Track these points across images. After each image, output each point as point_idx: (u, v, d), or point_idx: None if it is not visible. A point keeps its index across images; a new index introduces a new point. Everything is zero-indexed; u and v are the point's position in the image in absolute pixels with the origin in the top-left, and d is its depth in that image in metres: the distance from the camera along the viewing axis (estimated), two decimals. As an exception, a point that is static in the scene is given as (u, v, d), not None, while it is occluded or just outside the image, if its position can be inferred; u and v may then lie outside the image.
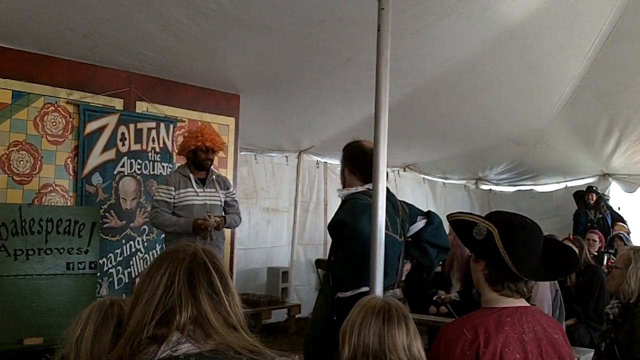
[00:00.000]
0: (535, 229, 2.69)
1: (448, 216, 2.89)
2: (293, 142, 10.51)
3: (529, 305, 2.63)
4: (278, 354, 1.87)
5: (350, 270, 3.84)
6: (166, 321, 1.74)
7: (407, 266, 4.26)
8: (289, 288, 10.29)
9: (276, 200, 10.55)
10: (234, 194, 6.54)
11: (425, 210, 4.44)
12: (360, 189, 4.04)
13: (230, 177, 7.41)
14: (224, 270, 1.90)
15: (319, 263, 10.64)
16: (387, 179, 3.65)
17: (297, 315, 9.98)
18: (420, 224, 4.28)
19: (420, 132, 10.24)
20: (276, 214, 10.55)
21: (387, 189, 4.07)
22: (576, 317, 6.95)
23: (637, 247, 4.49)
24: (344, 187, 4.24)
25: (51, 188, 6.37)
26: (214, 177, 6.25)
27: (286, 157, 10.71)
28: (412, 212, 4.29)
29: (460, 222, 2.80)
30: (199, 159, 6.07)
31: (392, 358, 2.40)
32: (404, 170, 12.97)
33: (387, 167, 3.51)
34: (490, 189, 14.72)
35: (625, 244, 9.48)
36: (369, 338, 2.44)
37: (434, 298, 7.84)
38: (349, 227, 3.82)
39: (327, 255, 4.29)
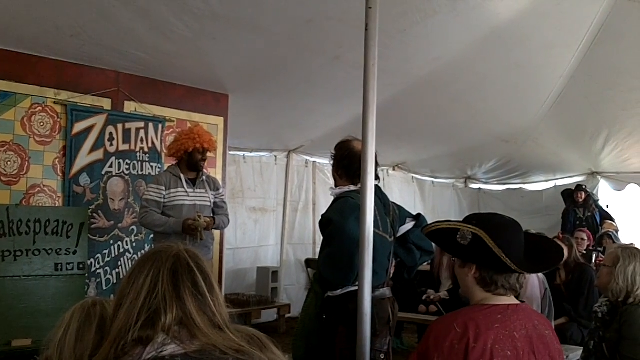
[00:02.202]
0: (516, 225, 2.70)
1: (424, 229, 2.88)
2: (282, 142, 10.51)
3: (519, 302, 2.63)
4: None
5: (334, 268, 3.87)
6: (151, 323, 1.74)
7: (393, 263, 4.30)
8: (278, 288, 10.28)
9: (264, 200, 10.52)
10: (223, 195, 6.54)
11: (414, 212, 4.49)
12: (353, 188, 4.05)
13: (219, 178, 7.39)
14: (207, 271, 1.90)
15: (309, 263, 10.65)
16: (377, 179, 3.66)
17: (287, 315, 9.97)
18: (409, 225, 4.33)
19: (409, 131, 10.26)
20: (263, 214, 10.53)
21: (380, 189, 4.10)
22: (567, 315, 6.97)
23: (625, 245, 4.51)
24: (336, 186, 4.26)
25: (39, 189, 6.34)
26: (204, 177, 6.25)
27: (275, 156, 10.70)
28: (402, 214, 4.35)
29: (439, 232, 2.79)
30: (194, 160, 6.07)
31: None
32: (393, 170, 12.98)
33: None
34: (479, 188, 14.77)
35: (614, 242, 9.52)
36: None
37: (424, 297, 7.87)
38: (335, 225, 3.84)
39: (318, 254, 4.31)
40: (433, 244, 4.51)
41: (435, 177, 14.09)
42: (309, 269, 10.67)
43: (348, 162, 4.11)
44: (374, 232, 3.41)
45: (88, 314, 2.25)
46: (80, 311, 2.26)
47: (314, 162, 11.21)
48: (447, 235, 2.71)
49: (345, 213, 3.81)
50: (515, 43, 7.46)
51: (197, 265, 1.87)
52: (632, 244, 8.91)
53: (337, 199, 4.10)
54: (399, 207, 4.39)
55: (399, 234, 4.26)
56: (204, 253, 6.09)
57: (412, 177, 13.58)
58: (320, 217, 4.12)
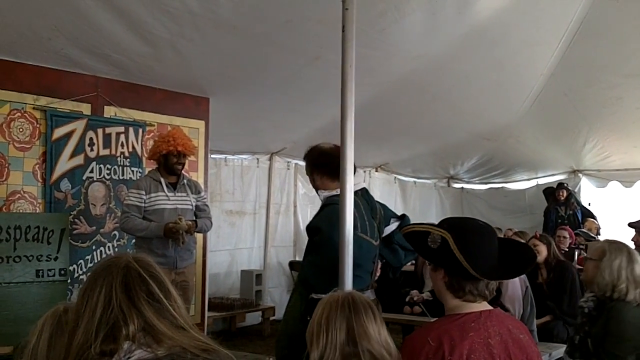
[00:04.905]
0: (488, 230, 2.70)
1: (402, 229, 2.89)
2: (264, 144, 10.47)
3: (492, 308, 2.62)
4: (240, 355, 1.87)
5: (321, 276, 3.86)
6: (112, 337, 1.75)
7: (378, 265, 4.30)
8: (262, 290, 10.26)
9: (242, 203, 10.45)
10: (205, 198, 6.52)
11: (399, 212, 4.49)
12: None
13: (201, 181, 7.36)
14: (161, 277, 1.91)
15: (292, 265, 10.63)
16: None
17: (272, 318, 9.96)
18: (393, 226, 4.34)
19: (391, 131, 10.27)
20: (241, 217, 10.46)
21: (367, 192, 4.10)
22: (551, 313, 6.98)
23: (612, 239, 4.51)
24: (317, 191, 4.25)
25: (19, 195, 6.28)
26: (185, 181, 6.22)
27: (257, 159, 10.66)
28: (387, 214, 4.35)
29: (414, 234, 2.79)
30: (170, 163, 6.03)
31: (365, 345, 2.39)
32: (376, 171, 12.97)
33: (359, 167, 3.51)
34: (462, 188, 14.80)
35: (587, 241, 9.52)
36: (337, 333, 2.42)
37: (407, 299, 7.85)
38: (323, 234, 3.84)
39: (303, 256, 4.29)
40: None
41: (418, 177, 14.09)
42: (292, 271, 10.65)
43: (322, 161, 4.11)
44: (361, 237, 3.41)
45: (59, 321, 2.24)
46: (52, 318, 2.25)
47: (296, 164, 11.18)
48: (420, 237, 2.70)
49: (334, 222, 3.79)
50: (495, 41, 7.49)
51: (149, 274, 1.88)
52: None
53: (326, 206, 4.08)
54: (384, 206, 4.39)
55: (383, 235, 4.26)
56: (187, 257, 6.08)
57: (395, 177, 13.58)
58: (302, 220, 4.12)
